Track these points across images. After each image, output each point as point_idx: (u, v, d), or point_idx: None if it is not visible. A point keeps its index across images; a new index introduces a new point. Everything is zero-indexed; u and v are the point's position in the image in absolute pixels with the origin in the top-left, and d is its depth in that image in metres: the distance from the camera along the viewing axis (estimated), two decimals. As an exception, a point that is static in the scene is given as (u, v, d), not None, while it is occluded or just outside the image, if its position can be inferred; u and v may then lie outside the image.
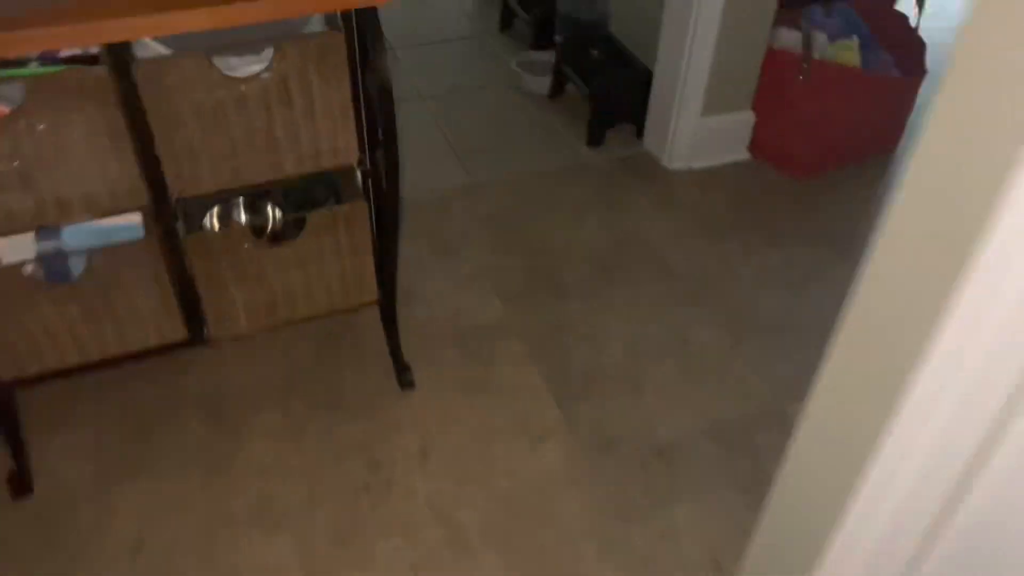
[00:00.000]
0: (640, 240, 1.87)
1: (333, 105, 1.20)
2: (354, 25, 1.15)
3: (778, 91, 1.98)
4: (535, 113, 2.28)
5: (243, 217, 1.33)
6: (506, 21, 2.61)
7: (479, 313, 1.68)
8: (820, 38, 1.98)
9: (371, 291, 1.43)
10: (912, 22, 2.10)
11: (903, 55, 2.07)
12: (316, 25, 1.21)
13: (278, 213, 1.32)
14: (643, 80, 2.09)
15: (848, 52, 1.99)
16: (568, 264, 1.80)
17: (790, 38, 2.00)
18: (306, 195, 1.34)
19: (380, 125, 1.22)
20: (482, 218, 1.92)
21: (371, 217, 1.35)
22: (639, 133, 2.18)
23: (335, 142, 1.23)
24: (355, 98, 1.22)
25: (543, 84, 2.32)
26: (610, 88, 2.09)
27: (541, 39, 2.42)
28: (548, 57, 2.34)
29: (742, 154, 2.13)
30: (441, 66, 2.47)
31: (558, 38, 2.31)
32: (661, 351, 1.62)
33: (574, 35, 2.26)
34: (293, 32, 1.17)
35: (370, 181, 1.31)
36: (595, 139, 2.15)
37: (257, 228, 1.31)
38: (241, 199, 1.33)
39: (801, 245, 1.88)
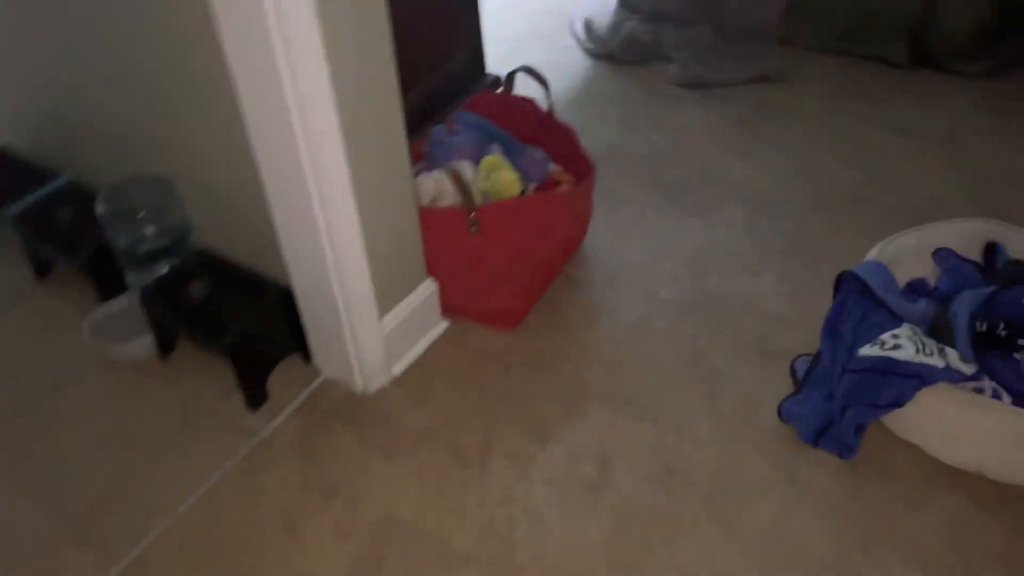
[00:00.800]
0: (397, 522, 1.35)
1: None
2: None
3: (453, 251, 1.57)
4: (149, 396, 1.60)
5: None
6: (43, 267, 1.84)
7: None
8: (467, 170, 1.60)
9: None
10: (543, 105, 1.80)
11: (550, 145, 1.78)
12: None
13: None
14: (283, 303, 1.54)
15: (503, 171, 1.63)
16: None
17: (432, 184, 1.58)
18: None
19: None
20: (164, 628, 1.24)
21: None
22: (306, 356, 1.63)
23: None
24: None
25: (143, 346, 1.64)
26: (247, 333, 1.50)
27: (109, 282, 1.72)
28: (134, 302, 1.66)
29: (440, 324, 1.69)
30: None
31: (133, 281, 1.64)
32: None
33: (158, 273, 1.61)
34: None
35: None
36: (256, 398, 1.55)
37: None
38: None
39: (573, 426, 1.50)
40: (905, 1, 2.41)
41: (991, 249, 1.58)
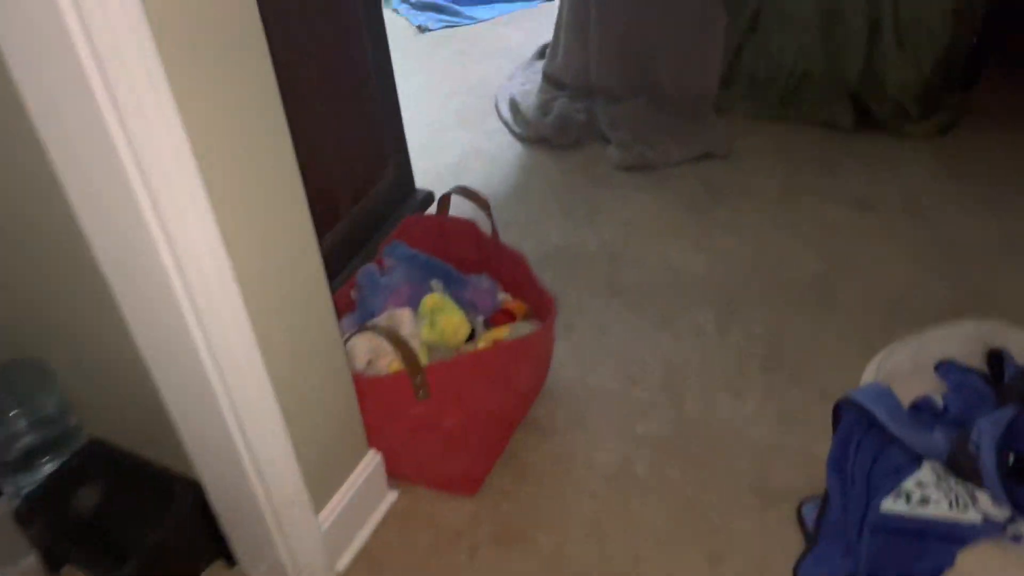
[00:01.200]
0: None
1: None
2: None
3: (399, 419, 1.33)
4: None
5: None
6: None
7: None
8: (406, 322, 1.37)
9: None
10: (483, 227, 1.59)
11: (497, 271, 1.56)
12: None
13: None
14: (197, 502, 1.27)
15: (447, 313, 1.40)
16: None
17: (365, 344, 1.34)
18: None
19: None
20: None
21: None
22: (230, 560, 1.35)
23: None
24: None
25: (27, 568, 1.34)
26: (153, 550, 1.22)
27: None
28: (8, 506, 1.36)
29: (389, 496, 1.44)
30: None
31: (8, 489, 1.34)
32: None
33: (38, 477, 1.32)
34: None
35: None
36: (172, 626, 1.28)
37: None
38: None
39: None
40: (846, 62, 2.31)
41: (996, 356, 1.43)
